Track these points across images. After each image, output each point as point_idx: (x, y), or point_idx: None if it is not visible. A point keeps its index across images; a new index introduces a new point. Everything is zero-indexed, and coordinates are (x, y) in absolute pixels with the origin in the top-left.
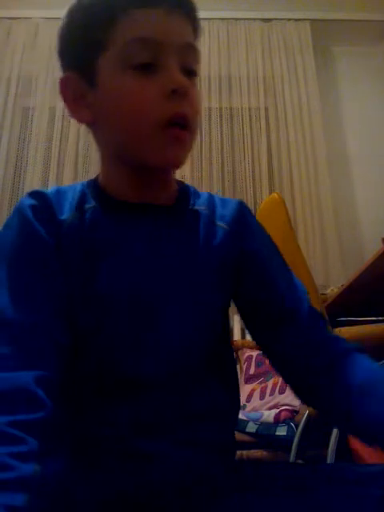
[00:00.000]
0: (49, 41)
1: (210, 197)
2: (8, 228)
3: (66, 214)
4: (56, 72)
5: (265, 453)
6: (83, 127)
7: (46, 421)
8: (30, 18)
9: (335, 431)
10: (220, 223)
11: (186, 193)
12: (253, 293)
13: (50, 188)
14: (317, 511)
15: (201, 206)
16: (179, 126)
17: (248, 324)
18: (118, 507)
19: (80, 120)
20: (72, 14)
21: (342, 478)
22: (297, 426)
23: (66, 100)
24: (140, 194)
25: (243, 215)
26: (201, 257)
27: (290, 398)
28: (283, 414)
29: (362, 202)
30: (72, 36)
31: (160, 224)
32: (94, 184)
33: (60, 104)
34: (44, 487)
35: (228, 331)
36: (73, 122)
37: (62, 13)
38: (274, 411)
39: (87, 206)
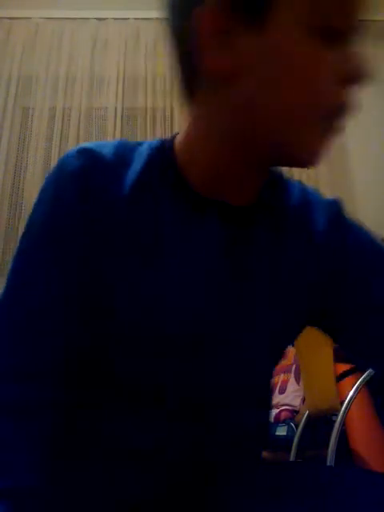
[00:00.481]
0: (49, 41)
1: (303, 191)
2: (41, 203)
3: (125, 191)
4: (56, 72)
5: (265, 453)
6: (82, 128)
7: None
8: (30, 17)
9: (335, 431)
10: (312, 229)
11: (272, 184)
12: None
13: (108, 143)
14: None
15: (291, 201)
16: (339, 118)
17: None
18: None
19: (211, 64)
20: None
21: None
22: (297, 425)
23: (201, 33)
24: (225, 189)
25: (339, 222)
26: (284, 278)
27: (290, 398)
28: (283, 414)
29: (362, 201)
30: None
31: (237, 231)
32: (168, 158)
33: (60, 104)
34: None
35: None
36: (73, 121)
37: (62, 13)
38: (274, 411)
39: (156, 189)
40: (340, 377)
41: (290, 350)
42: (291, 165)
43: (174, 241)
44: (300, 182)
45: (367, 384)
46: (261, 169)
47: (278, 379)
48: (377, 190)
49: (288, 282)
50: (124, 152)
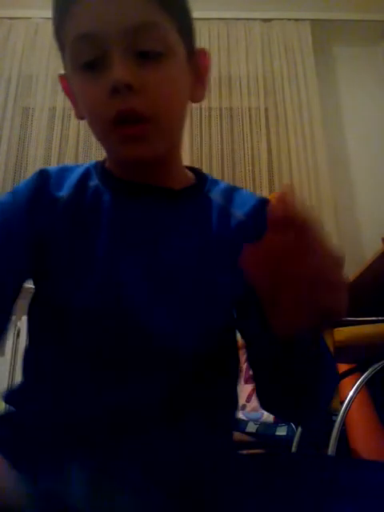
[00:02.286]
0: (49, 41)
1: (230, 187)
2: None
3: (65, 191)
4: (56, 72)
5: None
6: (82, 128)
7: None
8: (30, 17)
9: (335, 431)
10: (236, 213)
11: (200, 180)
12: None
13: (60, 166)
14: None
15: (216, 194)
16: (129, 123)
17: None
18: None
19: (76, 115)
20: None
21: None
22: (297, 426)
23: (67, 96)
24: (142, 178)
25: (261, 212)
26: (208, 248)
27: None
28: None
29: (362, 202)
30: (54, 36)
31: (164, 208)
32: (100, 164)
33: (60, 104)
34: None
35: (234, 330)
36: (73, 121)
37: None
38: None
39: (91, 183)
40: (340, 377)
41: None
42: (122, 162)
43: (108, 224)
44: (231, 185)
45: (367, 384)
46: (134, 165)
47: None
48: (377, 189)
49: (211, 257)
50: (70, 167)
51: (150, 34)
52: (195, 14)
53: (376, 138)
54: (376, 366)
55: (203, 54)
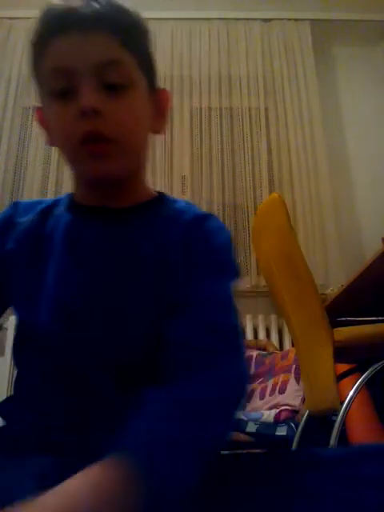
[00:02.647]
0: None
1: (185, 205)
2: None
3: (28, 217)
4: None
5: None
6: None
7: None
8: (30, 18)
9: (335, 431)
10: (173, 232)
11: (155, 201)
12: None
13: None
14: (309, 498)
15: (166, 212)
16: (94, 142)
17: None
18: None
19: (48, 143)
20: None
21: (331, 461)
22: (297, 425)
23: (41, 126)
24: (100, 202)
25: (199, 225)
26: (135, 265)
27: (290, 398)
28: (283, 413)
29: (362, 202)
30: (31, 63)
31: (112, 226)
32: (68, 195)
33: None
34: None
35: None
36: None
37: None
38: (274, 411)
39: (55, 210)
40: (340, 377)
41: (290, 350)
42: (89, 180)
43: (61, 245)
44: (188, 204)
45: (367, 384)
46: (98, 185)
47: (278, 379)
48: (377, 189)
49: (154, 270)
50: (44, 199)
51: (114, 69)
52: (195, 15)
53: (376, 138)
54: (376, 366)
55: (164, 92)
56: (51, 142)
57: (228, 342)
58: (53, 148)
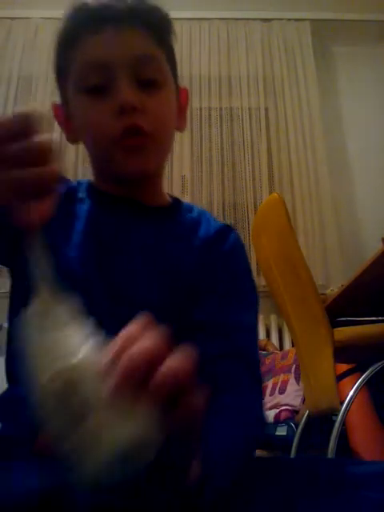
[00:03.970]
0: (49, 41)
1: (201, 214)
2: None
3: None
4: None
5: (265, 453)
6: None
7: None
8: (30, 17)
9: (335, 431)
10: (196, 241)
11: (176, 205)
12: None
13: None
14: None
15: (187, 218)
16: (132, 136)
17: None
18: None
19: (69, 140)
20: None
21: (338, 480)
22: (297, 425)
23: (58, 123)
24: (124, 195)
25: (221, 240)
26: (162, 264)
27: (290, 398)
28: (283, 414)
29: (361, 202)
30: (54, 64)
31: (135, 221)
32: (88, 182)
33: None
34: None
35: None
36: None
37: (61, 13)
38: (274, 411)
39: (77, 194)
40: (340, 377)
41: (290, 350)
42: (123, 177)
43: (78, 228)
44: (204, 211)
45: (367, 384)
46: (125, 186)
47: (278, 379)
48: (377, 189)
49: (165, 265)
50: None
51: (150, 65)
52: (195, 15)
53: (376, 138)
54: (376, 366)
55: (184, 91)
56: (74, 138)
57: (255, 377)
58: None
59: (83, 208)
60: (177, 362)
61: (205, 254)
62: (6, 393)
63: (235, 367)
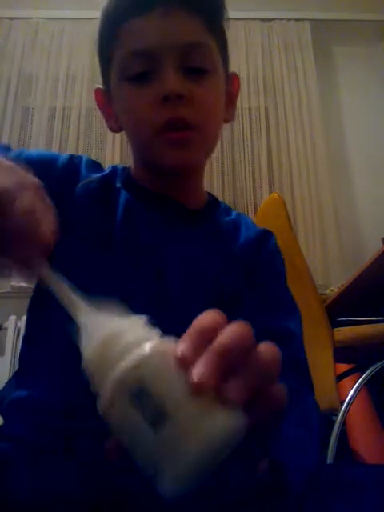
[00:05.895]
0: (49, 41)
1: (239, 216)
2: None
3: (89, 173)
4: (56, 72)
5: None
6: (82, 128)
7: None
8: (30, 18)
9: (335, 431)
10: (237, 245)
11: (214, 206)
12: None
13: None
14: None
15: (225, 221)
16: (176, 129)
17: None
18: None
19: (109, 128)
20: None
21: (337, 483)
22: None
23: (100, 109)
24: (162, 189)
25: (262, 244)
26: (202, 269)
27: None
28: None
29: (361, 202)
30: (97, 49)
31: (174, 223)
32: (126, 170)
33: (60, 104)
34: None
35: None
36: (73, 122)
37: (61, 13)
38: None
39: (116, 185)
40: (340, 377)
41: None
42: (163, 169)
43: (117, 222)
44: (240, 213)
45: (367, 384)
46: (165, 177)
47: None
48: (377, 190)
49: (202, 274)
50: (100, 165)
51: (199, 53)
52: None
53: (376, 138)
54: (376, 366)
55: (235, 77)
56: (117, 127)
57: (309, 383)
58: (52, 148)
59: (121, 199)
60: (268, 350)
61: (246, 261)
62: (10, 392)
63: (288, 375)
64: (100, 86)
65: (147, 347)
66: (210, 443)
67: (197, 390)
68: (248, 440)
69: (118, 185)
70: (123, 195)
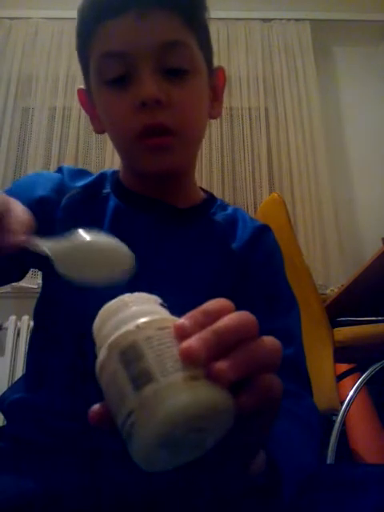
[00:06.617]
0: (49, 41)
1: (236, 212)
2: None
3: (74, 183)
4: (56, 72)
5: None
6: (82, 128)
7: None
8: (30, 17)
9: (335, 431)
10: (233, 242)
11: (209, 203)
12: None
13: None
14: None
15: (220, 218)
16: (156, 135)
17: None
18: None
19: (94, 129)
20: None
21: (334, 482)
22: None
23: (84, 109)
24: (152, 193)
25: (259, 241)
26: (197, 268)
27: None
28: None
29: (361, 202)
30: (77, 49)
31: (165, 225)
32: (115, 174)
33: (60, 104)
34: None
35: None
36: (73, 122)
37: (61, 13)
38: None
39: (104, 191)
40: (340, 377)
41: None
42: (144, 174)
43: (106, 228)
44: (238, 209)
45: (367, 384)
46: (151, 179)
47: None
48: (377, 190)
49: (199, 274)
50: (82, 169)
51: (176, 52)
52: None
53: (376, 138)
54: (376, 366)
55: (220, 71)
56: (101, 129)
57: (307, 386)
58: (52, 148)
59: (109, 206)
60: (270, 341)
61: (243, 258)
62: (13, 394)
63: (287, 378)
64: (82, 86)
65: (150, 316)
66: (183, 411)
67: (184, 355)
68: (240, 429)
69: (107, 190)
70: (112, 201)
